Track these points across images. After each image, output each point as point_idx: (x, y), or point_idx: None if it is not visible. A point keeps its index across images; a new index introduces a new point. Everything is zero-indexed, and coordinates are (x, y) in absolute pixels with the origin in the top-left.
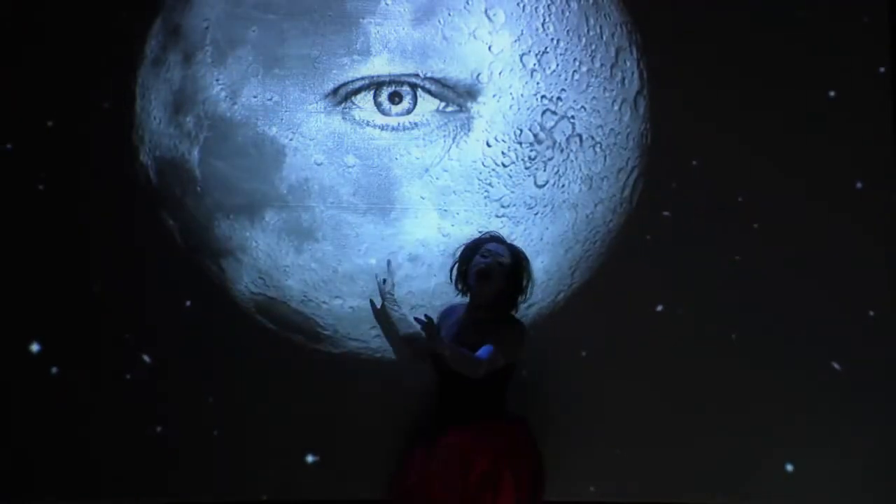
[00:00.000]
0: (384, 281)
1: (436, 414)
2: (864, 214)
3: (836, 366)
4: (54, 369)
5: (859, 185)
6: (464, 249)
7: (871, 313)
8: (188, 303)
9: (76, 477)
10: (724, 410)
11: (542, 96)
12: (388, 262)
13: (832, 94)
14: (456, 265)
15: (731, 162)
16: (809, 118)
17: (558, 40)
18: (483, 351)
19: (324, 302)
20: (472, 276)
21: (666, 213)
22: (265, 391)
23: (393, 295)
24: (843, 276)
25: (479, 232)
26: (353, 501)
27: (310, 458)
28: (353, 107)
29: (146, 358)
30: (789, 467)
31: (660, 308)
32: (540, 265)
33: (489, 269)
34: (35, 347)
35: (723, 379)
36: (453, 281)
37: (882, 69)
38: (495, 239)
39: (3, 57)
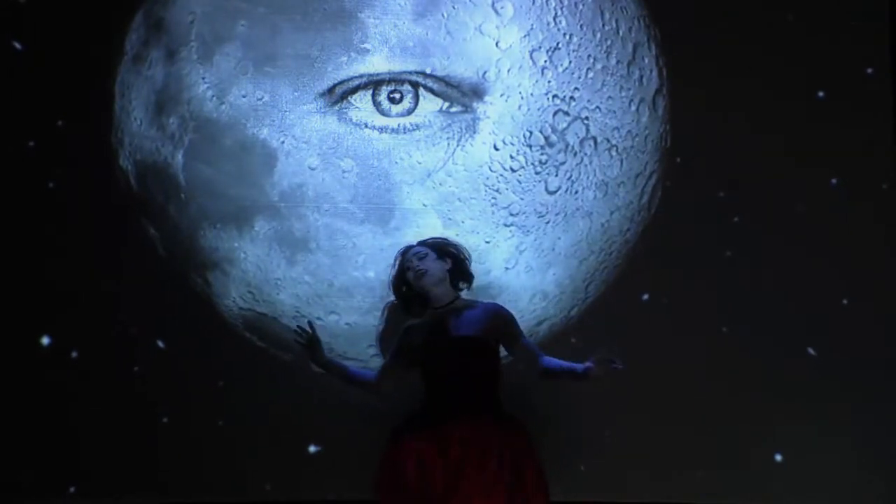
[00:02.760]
0: (309, 326)
1: (434, 412)
2: (837, 210)
3: (811, 352)
4: (50, 369)
5: (834, 181)
6: (393, 283)
7: (845, 301)
8: (171, 318)
9: (76, 474)
10: (714, 404)
11: (554, 96)
12: (310, 323)
13: (821, 94)
14: (405, 303)
15: (740, 163)
16: (801, 118)
17: (571, 35)
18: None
19: (318, 318)
20: (416, 286)
21: (682, 219)
22: (256, 408)
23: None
24: (818, 267)
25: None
26: (355, 501)
27: (312, 449)
28: (351, 107)
29: (160, 343)
30: (778, 457)
31: (670, 314)
32: (552, 277)
33: (417, 271)
34: (45, 340)
35: (720, 373)
36: (408, 311)
37: (869, 70)
38: (401, 252)
39: None
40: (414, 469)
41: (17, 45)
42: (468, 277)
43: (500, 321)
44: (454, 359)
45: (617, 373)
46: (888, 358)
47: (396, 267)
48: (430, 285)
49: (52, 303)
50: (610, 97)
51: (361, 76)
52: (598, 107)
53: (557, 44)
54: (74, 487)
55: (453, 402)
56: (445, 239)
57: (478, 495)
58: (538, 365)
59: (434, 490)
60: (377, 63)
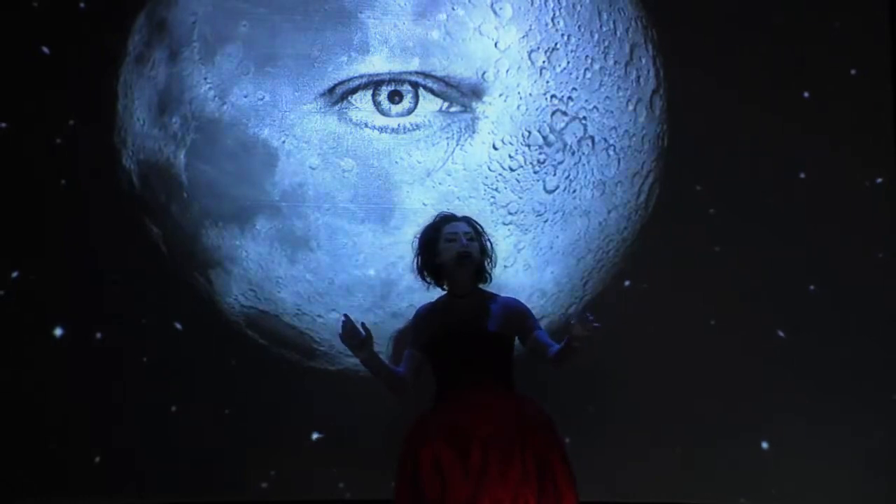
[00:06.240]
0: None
1: (450, 409)
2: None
3: (781, 334)
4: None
5: (802, 175)
6: (422, 242)
7: (812, 287)
8: (173, 316)
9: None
10: (709, 398)
11: (552, 96)
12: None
13: (806, 94)
14: (418, 259)
15: (737, 162)
16: (788, 117)
17: (569, 36)
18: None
19: (319, 316)
20: (452, 262)
21: (679, 219)
22: (257, 404)
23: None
24: (791, 257)
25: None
26: (355, 501)
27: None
28: (351, 107)
29: (182, 321)
30: (765, 445)
31: (666, 311)
32: (550, 276)
33: (468, 250)
34: (58, 332)
35: (714, 366)
36: (420, 275)
37: (853, 71)
38: (448, 218)
39: None
40: (431, 474)
41: (45, 49)
42: (486, 278)
43: (518, 316)
44: (474, 352)
45: (597, 333)
46: (852, 340)
47: (432, 232)
48: (467, 271)
49: (59, 298)
50: (607, 97)
51: (361, 76)
52: (595, 107)
53: (555, 44)
54: (103, 452)
55: (470, 398)
56: (477, 224)
57: (505, 500)
58: (549, 355)
59: (455, 497)
60: (377, 63)
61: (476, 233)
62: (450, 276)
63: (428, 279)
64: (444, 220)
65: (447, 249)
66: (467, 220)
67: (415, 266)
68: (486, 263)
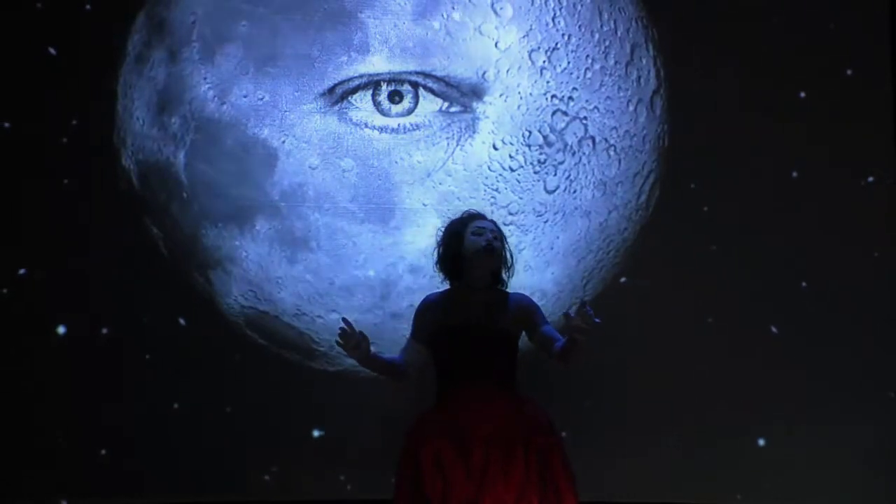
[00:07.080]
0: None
1: (452, 405)
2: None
3: (776, 331)
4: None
5: (794, 173)
6: (448, 233)
7: (804, 284)
8: (173, 316)
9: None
10: (707, 396)
11: (553, 96)
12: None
13: (802, 94)
14: (440, 250)
15: (736, 162)
16: (785, 116)
17: (570, 36)
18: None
19: (319, 316)
20: (476, 254)
21: (679, 219)
22: (257, 403)
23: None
24: (789, 256)
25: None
26: (356, 500)
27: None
28: (351, 107)
29: (182, 321)
30: (761, 442)
31: (666, 311)
32: (550, 276)
33: (493, 245)
34: (61, 330)
35: (714, 364)
36: (439, 266)
37: (849, 71)
38: (477, 216)
39: None
40: (433, 473)
41: (52, 51)
42: (502, 284)
43: (526, 311)
44: (479, 349)
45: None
46: (849, 338)
47: (458, 225)
48: (489, 264)
49: (61, 297)
50: (608, 97)
51: (361, 76)
52: (596, 107)
53: (556, 44)
54: (105, 450)
55: (471, 397)
56: (507, 242)
57: (508, 500)
58: (556, 349)
59: (457, 497)
60: (377, 63)
61: (500, 235)
62: (470, 269)
63: (445, 273)
64: (472, 216)
65: (473, 242)
66: (494, 223)
67: (435, 257)
68: (503, 271)
